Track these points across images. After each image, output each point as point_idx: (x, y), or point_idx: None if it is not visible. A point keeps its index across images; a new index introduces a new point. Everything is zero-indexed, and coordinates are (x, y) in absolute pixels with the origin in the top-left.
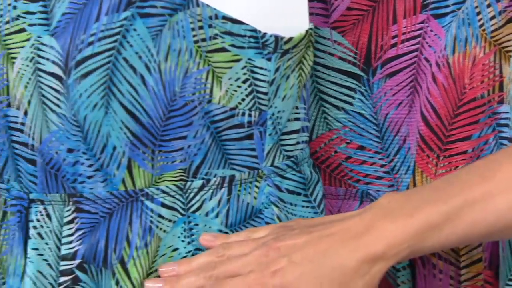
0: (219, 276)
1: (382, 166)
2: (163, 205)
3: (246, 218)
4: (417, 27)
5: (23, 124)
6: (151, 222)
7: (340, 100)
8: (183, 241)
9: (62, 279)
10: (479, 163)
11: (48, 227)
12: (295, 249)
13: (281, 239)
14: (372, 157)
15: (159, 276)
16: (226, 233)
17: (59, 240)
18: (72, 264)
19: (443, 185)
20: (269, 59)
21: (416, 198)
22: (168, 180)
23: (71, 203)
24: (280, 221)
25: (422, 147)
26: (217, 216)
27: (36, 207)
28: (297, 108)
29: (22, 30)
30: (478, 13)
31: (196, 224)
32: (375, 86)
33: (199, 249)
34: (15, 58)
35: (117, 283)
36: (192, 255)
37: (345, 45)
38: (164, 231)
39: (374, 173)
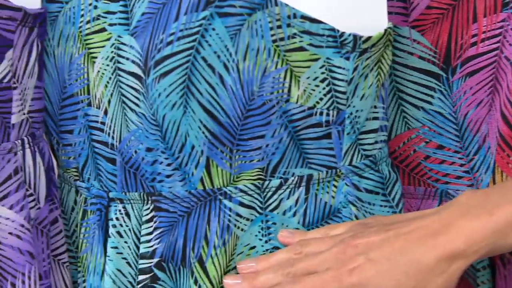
0: (296, 273)
1: (461, 165)
2: (241, 204)
3: (324, 217)
4: (497, 26)
5: (103, 123)
6: (229, 221)
7: (419, 99)
8: (260, 239)
9: (141, 277)
10: None
11: (127, 226)
12: (373, 246)
13: (359, 237)
14: (452, 156)
15: (237, 273)
16: None
17: (138, 239)
18: (150, 263)
19: None
20: (347, 58)
21: (495, 196)
22: (246, 179)
23: (150, 202)
24: (351, 218)
25: (502, 147)
26: (294, 215)
27: (115, 206)
28: (375, 107)
29: (102, 30)
30: None
31: (274, 223)
32: (454, 85)
33: (276, 248)
34: (95, 57)
35: (195, 282)
36: (269, 253)
37: (425, 44)
38: (242, 229)
39: (453, 173)
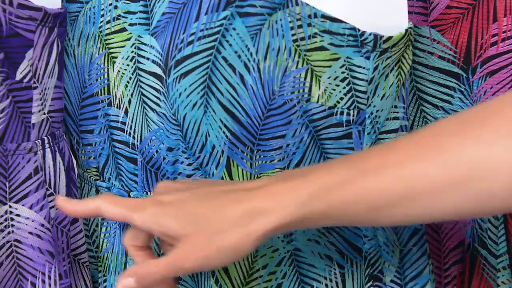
0: None
1: None
2: None
3: None
4: None
5: (123, 123)
6: None
7: (439, 99)
8: (282, 241)
9: None
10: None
11: None
12: (173, 191)
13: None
14: None
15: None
16: (323, 233)
17: (159, 238)
18: None
19: (347, 157)
20: (367, 58)
21: (317, 166)
22: None
23: None
24: None
25: None
26: None
27: None
28: (396, 107)
29: (123, 30)
30: None
31: None
32: (474, 85)
33: (298, 249)
34: (115, 57)
35: (216, 282)
36: (291, 255)
37: (445, 43)
38: None
39: None
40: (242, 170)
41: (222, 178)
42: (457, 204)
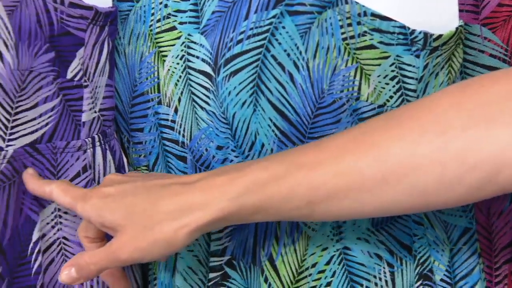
0: None
1: None
2: None
3: (394, 216)
4: None
5: (173, 121)
6: None
7: None
8: (332, 239)
9: (212, 275)
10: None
11: None
12: (114, 183)
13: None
14: None
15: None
16: (373, 232)
17: (209, 237)
18: (221, 261)
19: (283, 152)
20: (417, 56)
21: (254, 161)
22: None
23: None
24: (421, 218)
25: None
26: None
27: None
28: None
29: (173, 28)
30: None
31: (344, 222)
32: None
33: (347, 248)
34: (165, 56)
35: (266, 280)
36: (341, 253)
37: (496, 41)
38: (313, 229)
39: None
40: None
41: None
42: (388, 199)
